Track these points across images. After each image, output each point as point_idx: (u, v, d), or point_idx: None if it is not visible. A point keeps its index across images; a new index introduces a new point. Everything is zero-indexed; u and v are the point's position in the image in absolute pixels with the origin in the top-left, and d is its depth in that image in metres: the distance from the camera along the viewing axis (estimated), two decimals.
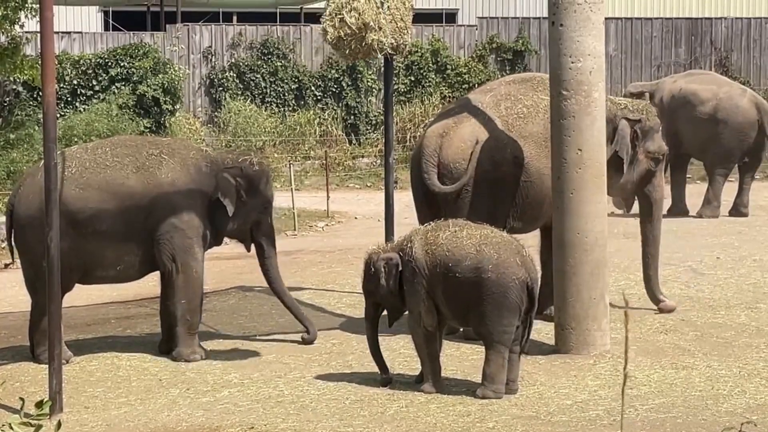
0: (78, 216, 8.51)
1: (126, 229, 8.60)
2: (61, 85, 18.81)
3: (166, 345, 8.86)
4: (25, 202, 8.66)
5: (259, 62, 20.82)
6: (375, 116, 20.98)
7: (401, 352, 8.58)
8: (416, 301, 7.64)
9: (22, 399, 4.22)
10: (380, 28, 9.52)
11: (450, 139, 9.07)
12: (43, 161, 8.86)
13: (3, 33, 15.05)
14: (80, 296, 9.99)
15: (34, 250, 8.41)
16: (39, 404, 4.13)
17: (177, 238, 8.61)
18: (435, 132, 9.15)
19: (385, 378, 7.91)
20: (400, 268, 7.67)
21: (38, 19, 7.87)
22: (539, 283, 7.72)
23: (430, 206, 9.07)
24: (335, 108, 20.93)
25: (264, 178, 8.89)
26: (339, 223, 15.91)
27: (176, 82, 19.56)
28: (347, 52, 9.71)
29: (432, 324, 7.66)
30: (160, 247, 8.61)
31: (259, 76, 20.77)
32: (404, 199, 14.63)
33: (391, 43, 9.82)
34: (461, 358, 8.40)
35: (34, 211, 8.42)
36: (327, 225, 15.71)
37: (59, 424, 4.23)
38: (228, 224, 8.79)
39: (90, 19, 26.18)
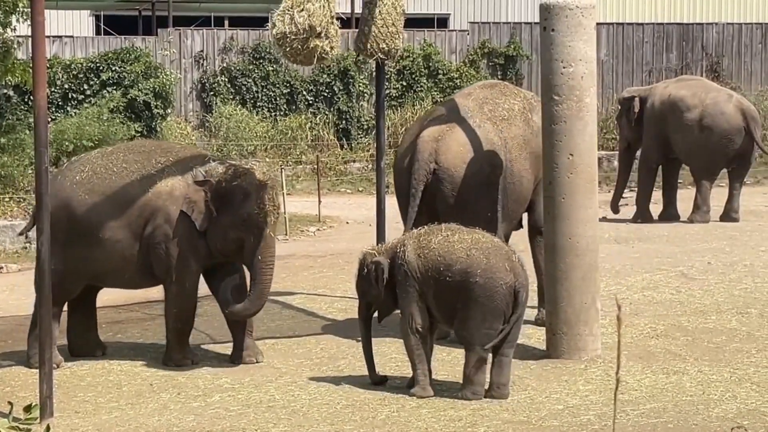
0: (84, 222, 8.57)
1: (129, 237, 8.60)
2: (53, 89, 18.78)
3: (235, 354, 8.77)
4: None
5: (251, 67, 20.81)
6: (367, 121, 20.98)
7: (393, 357, 8.58)
8: (408, 302, 7.70)
9: (10, 403, 4.21)
10: (327, 37, 9.33)
11: (447, 144, 9.05)
12: (66, 165, 9.04)
13: None
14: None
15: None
16: (28, 408, 4.12)
17: (172, 248, 8.56)
18: (430, 137, 9.09)
19: (375, 378, 7.94)
20: (385, 274, 7.74)
21: (30, 23, 7.86)
22: (528, 288, 7.75)
23: (424, 209, 9.00)
24: (327, 113, 20.92)
25: (238, 194, 8.49)
26: (330, 228, 15.90)
27: (167, 87, 19.53)
28: (288, 50, 9.44)
29: (424, 325, 7.71)
30: (155, 255, 8.59)
31: (250, 80, 20.76)
32: (396, 204, 14.64)
33: (335, 55, 9.67)
34: (453, 363, 8.39)
35: None
36: (318, 230, 15.70)
37: (48, 429, 4.22)
38: (209, 241, 8.56)
39: (81, 23, 26.15)
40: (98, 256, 8.60)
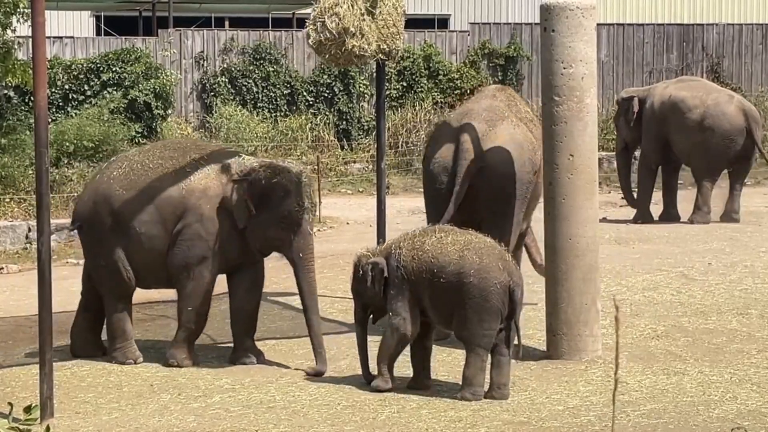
0: (121, 217, 8.69)
1: (164, 234, 8.64)
2: (53, 90, 18.77)
3: (235, 355, 8.78)
4: (81, 203, 9.05)
5: (251, 67, 20.80)
6: (367, 121, 20.96)
7: None
8: (402, 305, 7.72)
9: (10, 404, 4.21)
10: (362, 35, 9.38)
11: (493, 142, 9.15)
12: (107, 164, 9.14)
13: None
14: (72, 301, 9.96)
15: (87, 248, 8.94)
16: (27, 409, 4.12)
17: (198, 246, 8.56)
18: (474, 136, 9.15)
19: (370, 378, 7.99)
20: (386, 273, 7.75)
21: (30, 23, 7.87)
22: (522, 287, 7.76)
23: (466, 210, 9.06)
24: (327, 113, 20.90)
25: (278, 190, 8.50)
26: (331, 229, 15.90)
27: (168, 87, 19.51)
28: (327, 57, 9.58)
29: (413, 331, 7.74)
30: (179, 252, 8.59)
31: (251, 81, 20.74)
32: (396, 205, 14.66)
33: (375, 51, 9.72)
34: (453, 364, 8.39)
35: (86, 210, 8.86)
36: (319, 230, 15.66)
37: (48, 429, 4.22)
38: (247, 239, 8.57)
39: (82, 23, 26.13)
40: (135, 252, 8.69)
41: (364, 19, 9.37)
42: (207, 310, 8.75)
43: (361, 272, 7.89)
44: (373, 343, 8.08)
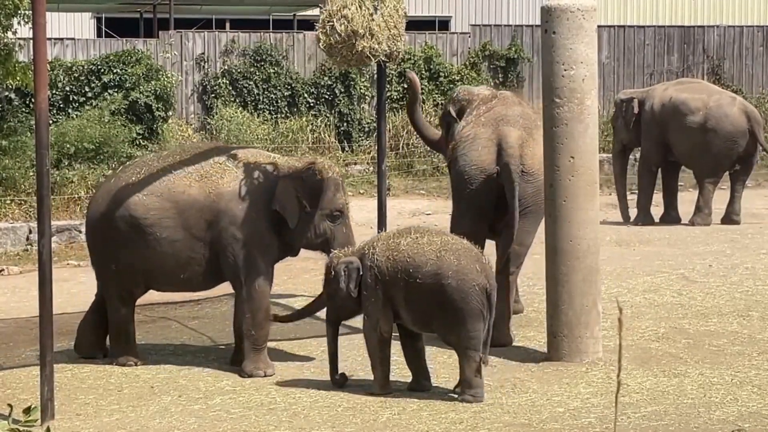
0: (140, 221, 8.58)
1: (187, 238, 8.56)
2: (54, 92, 18.77)
3: (236, 357, 8.75)
4: (94, 205, 8.93)
5: (252, 69, 20.81)
6: (368, 123, 20.97)
7: (393, 359, 8.56)
8: (375, 306, 7.71)
9: (10, 405, 4.21)
10: (372, 36, 9.43)
11: (532, 149, 9.27)
12: (122, 168, 9.09)
13: None
14: (72, 303, 9.98)
15: (98, 251, 8.82)
16: (27, 410, 4.12)
17: (239, 250, 8.49)
18: (515, 143, 9.28)
19: (337, 379, 8.01)
20: (361, 273, 7.75)
21: (31, 25, 7.87)
22: (497, 290, 7.76)
23: (498, 214, 9.24)
24: (328, 115, 20.91)
25: (331, 186, 8.56)
26: None
27: (169, 89, 19.50)
28: (339, 59, 9.65)
29: (388, 330, 7.77)
30: (224, 259, 8.54)
31: (251, 82, 20.75)
32: (397, 207, 14.65)
33: (385, 50, 9.76)
34: (454, 366, 8.37)
35: (99, 214, 8.75)
36: None
37: (48, 430, 4.22)
38: (295, 236, 8.59)
39: (83, 25, 26.14)
40: (153, 255, 8.59)
41: (372, 20, 9.41)
42: (267, 313, 8.54)
43: (333, 273, 7.87)
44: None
